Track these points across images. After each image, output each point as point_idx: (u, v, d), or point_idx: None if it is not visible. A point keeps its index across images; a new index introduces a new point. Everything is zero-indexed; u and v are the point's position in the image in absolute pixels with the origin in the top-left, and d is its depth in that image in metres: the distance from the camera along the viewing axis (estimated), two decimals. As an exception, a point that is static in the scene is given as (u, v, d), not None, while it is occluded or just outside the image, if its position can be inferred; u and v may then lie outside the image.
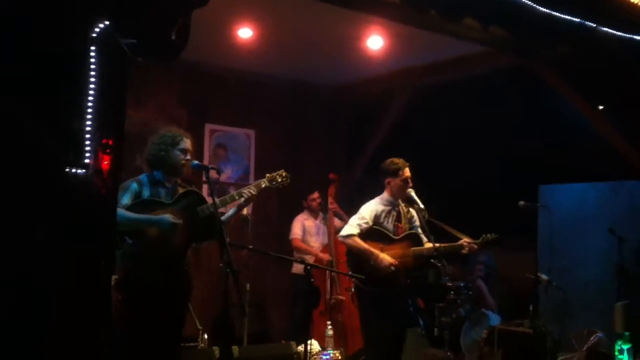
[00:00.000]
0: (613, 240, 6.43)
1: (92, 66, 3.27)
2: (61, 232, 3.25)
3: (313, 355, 5.77)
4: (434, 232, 5.13)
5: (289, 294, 7.18)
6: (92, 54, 3.27)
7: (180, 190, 4.38)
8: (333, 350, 5.95)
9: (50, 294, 3.22)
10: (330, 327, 6.17)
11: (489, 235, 5.16)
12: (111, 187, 3.38)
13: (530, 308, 5.92)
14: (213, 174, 4.27)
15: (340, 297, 6.70)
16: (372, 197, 5.27)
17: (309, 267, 4.44)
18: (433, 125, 7.65)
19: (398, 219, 5.20)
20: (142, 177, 4.34)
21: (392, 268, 4.96)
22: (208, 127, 7.55)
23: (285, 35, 6.41)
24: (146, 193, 4.28)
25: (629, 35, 5.75)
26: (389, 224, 5.16)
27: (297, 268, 6.67)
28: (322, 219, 7.17)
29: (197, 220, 4.28)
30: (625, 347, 6.09)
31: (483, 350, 6.20)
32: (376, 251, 5.01)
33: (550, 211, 6.30)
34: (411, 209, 5.24)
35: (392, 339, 5.05)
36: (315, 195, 7.11)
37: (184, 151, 4.33)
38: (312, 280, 4.54)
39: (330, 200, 6.99)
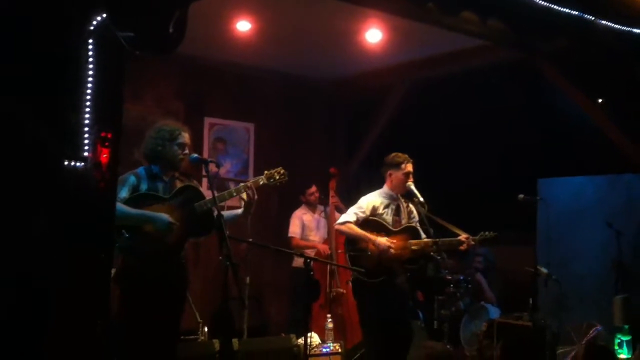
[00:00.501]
0: (611, 233, 6.45)
1: (90, 59, 3.27)
2: (60, 226, 3.25)
3: (313, 348, 5.78)
4: (433, 229, 5.14)
5: (288, 287, 7.19)
6: (90, 47, 3.27)
7: (179, 184, 4.38)
8: (333, 343, 5.96)
9: (50, 288, 3.23)
10: (330, 320, 6.18)
11: (487, 233, 5.18)
12: (110, 180, 3.39)
13: (530, 301, 5.94)
14: (212, 167, 4.26)
15: (340, 290, 6.71)
16: (370, 191, 5.29)
17: (309, 261, 4.45)
18: (431, 119, 7.66)
19: (397, 213, 5.21)
20: (140, 170, 4.33)
21: (389, 250, 4.97)
22: (207, 120, 7.54)
23: (284, 29, 6.40)
24: (144, 186, 4.27)
25: (628, 28, 5.74)
26: (388, 217, 5.18)
27: (298, 262, 6.68)
28: (321, 213, 7.17)
29: (194, 215, 4.28)
30: (625, 340, 6.11)
31: (482, 343, 6.21)
32: (372, 236, 5.03)
33: (548, 205, 6.32)
34: (411, 204, 5.26)
35: (390, 331, 5.05)
36: (313, 189, 7.12)
37: (182, 146, 4.32)
38: (312, 273, 4.55)
39: (331, 194, 6.99)
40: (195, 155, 4.39)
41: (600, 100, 6.51)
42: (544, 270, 6.16)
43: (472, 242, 5.15)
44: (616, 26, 5.69)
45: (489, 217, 5.28)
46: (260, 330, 6.73)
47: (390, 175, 5.19)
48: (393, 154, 5.23)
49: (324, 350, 5.86)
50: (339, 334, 6.32)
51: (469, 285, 7.39)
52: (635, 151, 6.36)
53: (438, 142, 7.72)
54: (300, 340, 5.42)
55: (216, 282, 4.46)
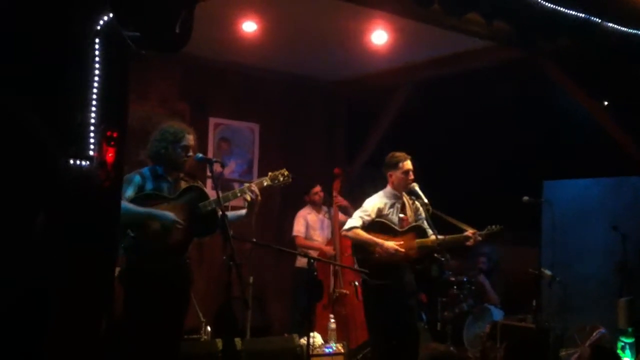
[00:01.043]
0: (615, 235, 6.43)
1: (96, 59, 3.28)
2: (65, 225, 3.25)
3: (316, 349, 5.78)
4: (439, 227, 5.15)
5: (291, 287, 7.19)
6: (96, 46, 3.27)
7: (184, 185, 4.39)
8: (336, 343, 5.96)
9: (53, 288, 3.23)
10: (333, 320, 6.18)
11: (493, 226, 5.18)
12: (115, 180, 3.39)
13: (534, 303, 5.93)
14: (217, 167, 4.28)
15: (344, 290, 6.71)
16: (373, 192, 5.30)
17: (312, 261, 4.45)
18: (435, 120, 7.66)
19: (403, 210, 5.22)
20: (145, 170, 4.35)
21: (399, 253, 4.98)
22: (212, 120, 7.55)
23: (289, 30, 6.40)
24: (149, 186, 4.29)
25: (634, 31, 5.72)
26: (394, 217, 5.18)
27: (301, 262, 6.68)
28: (325, 213, 7.17)
29: (198, 215, 4.29)
30: (628, 343, 6.10)
31: (486, 345, 6.21)
32: (379, 240, 5.04)
33: (553, 207, 6.31)
34: (417, 202, 5.26)
35: (396, 333, 5.06)
36: (317, 189, 7.11)
37: (186, 148, 4.33)
38: (315, 273, 4.55)
39: (334, 194, 6.99)
40: (201, 155, 4.40)
41: (605, 103, 6.50)
42: (547, 272, 6.15)
43: (479, 238, 5.15)
44: (622, 28, 5.67)
45: (494, 219, 5.26)
46: (263, 330, 6.74)
47: (391, 175, 5.21)
48: (390, 154, 5.25)
49: (327, 350, 5.87)
50: (342, 334, 6.32)
51: (473, 287, 7.39)
52: (640, 153, 6.35)
53: (442, 143, 7.72)
54: (303, 341, 5.42)
55: (220, 282, 4.48)
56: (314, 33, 6.48)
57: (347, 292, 6.69)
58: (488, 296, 7.59)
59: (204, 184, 4.85)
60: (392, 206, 5.20)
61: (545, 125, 7.30)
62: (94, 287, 3.35)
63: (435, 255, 5.16)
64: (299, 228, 7.06)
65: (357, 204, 5.36)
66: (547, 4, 5.25)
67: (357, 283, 6.43)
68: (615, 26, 5.62)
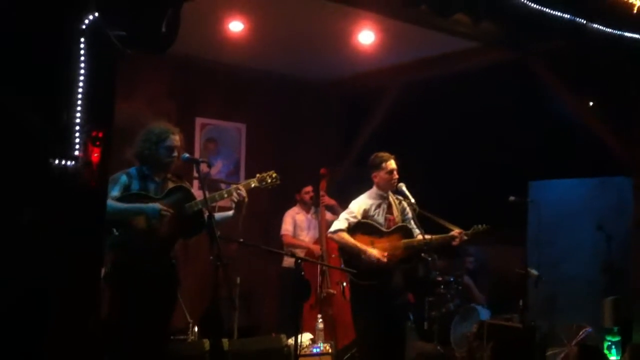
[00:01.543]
0: (600, 235, 6.48)
1: (82, 58, 3.26)
2: (50, 225, 3.24)
3: (303, 349, 5.77)
4: (425, 226, 5.16)
5: (279, 287, 7.18)
6: (82, 46, 3.25)
7: (170, 185, 4.38)
8: (323, 343, 5.96)
9: (40, 288, 3.22)
10: (320, 320, 6.18)
11: (480, 226, 5.20)
12: (101, 180, 3.38)
13: (520, 303, 5.96)
14: (204, 167, 4.27)
15: (331, 290, 6.71)
16: (362, 192, 5.30)
17: (299, 261, 4.44)
18: (424, 120, 7.67)
19: (389, 211, 5.22)
20: (132, 170, 4.34)
21: (383, 261, 4.98)
22: (198, 120, 7.52)
23: (276, 30, 6.39)
24: (135, 186, 4.28)
25: (619, 32, 5.77)
26: (380, 217, 5.18)
27: (288, 262, 6.67)
28: (313, 213, 7.17)
29: (184, 215, 4.28)
30: (614, 342, 6.15)
31: (472, 345, 6.23)
32: (364, 246, 5.04)
33: (539, 206, 6.34)
34: (403, 202, 5.27)
35: (383, 333, 5.06)
36: (309, 188, 7.11)
37: (170, 148, 4.31)
38: (302, 273, 4.55)
39: (321, 194, 6.99)
40: (187, 155, 4.39)
41: (591, 103, 6.54)
42: (534, 272, 6.19)
43: (465, 237, 5.17)
44: (608, 30, 5.71)
45: (480, 218, 5.28)
46: (251, 330, 6.71)
47: (376, 176, 5.21)
48: (374, 155, 5.26)
49: (314, 350, 5.86)
50: (330, 334, 6.31)
51: (459, 287, 7.41)
52: (626, 153, 6.39)
53: (430, 143, 7.74)
54: (291, 341, 5.41)
55: (207, 282, 4.46)
56: (301, 33, 6.48)
57: (335, 292, 6.69)
58: (474, 296, 7.62)
59: (191, 184, 4.84)
60: (378, 207, 5.20)
61: (531, 126, 7.33)
62: (80, 287, 3.34)
63: (422, 255, 5.17)
64: (286, 227, 7.06)
65: (347, 203, 5.36)
66: (533, 5, 5.27)
67: (344, 283, 6.43)
68: (601, 27, 5.66)
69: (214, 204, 4.35)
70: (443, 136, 7.72)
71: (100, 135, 3.31)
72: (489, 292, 7.71)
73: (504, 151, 7.51)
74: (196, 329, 5.78)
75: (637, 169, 6.36)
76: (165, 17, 3.44)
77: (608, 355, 6.07)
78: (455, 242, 5.18)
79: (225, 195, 4.40)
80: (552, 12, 5.40)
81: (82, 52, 3.26)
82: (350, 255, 5.12)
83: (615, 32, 5.75)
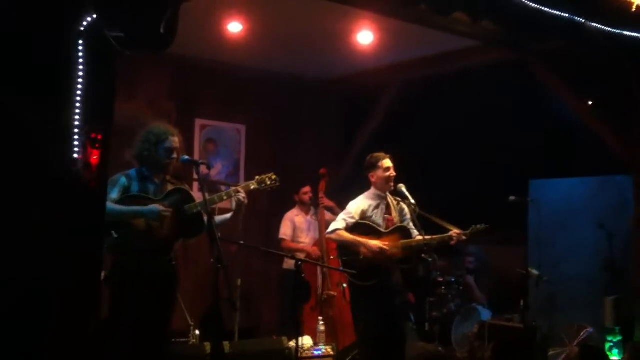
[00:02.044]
0: (601, 234, 6.47)
1: (80, 60, 3.24)
2: (49, 227, 3.23)
3: (305, 351, 5.76)
4: (425, 227, 5.15)
5: (279, 289, 7.16)
6: (80, 47, 3.24)
7: (170, 187, 4.37)
8: (325, 345, 5.95)
9: (41, 287, 3.21)
10: (321, 322, 6.17)
11: (478, 225, 5.19)
12: (100, 181, 3.36)
13: (521, 303, 5.95)
14: (203, 169, 4.27)
15: (332, 292, 6.70)
16: (363, 191, 5.29)
17: (299, 263, 4.43)
18: (423, 119, 7.66)
19: (387, 211, 5.21)
20: (132, 172, 4.33)
21: (384, 251, 4.97)
22: (198, 122, 7.52)
23: (275, 30, 6.39)
24: (135, 188, 4.27)
25: (618, 31, 5.76)
26: (378, 218, 5.17)
27: (288, 263, 6.66)
28: (313, 214, 7.15)
29: (184, 217, 4.27)
30: (615, 342, 6.13)
31: (474, 345, 6.22)
32: (364, 239, 5.03)
33: (539, 206, 6.33)
34: (402, 203, 5.26)
35: (383, 333, 5.05)
36: (307, 189, 7.09)
37: (169, 150, 4.31)
38: (302, 275, 4.53)
39: (320, 195, 6.98)
40: (186, 156, 4.39)
41: (590, 102, 6.53)
42: (534, 272, 6.18)
43: (463, 237, 5.16)
44: (607, 28, 5.70)
45: (481, 218, 5.27)
46: (251, 332, 6.71)
47: (372, 176, 5.21)
48: (369, 157, 5.27)
49: (316, 352, 5.85)
50: (331, 336, 6.30)
51: (460, 287, 7.40)
52: (626, 152, 6.38)
53: (429, 142, 7.72)
54: (292, 343, 5.40)
55: (207, 284, 4.45)
56: (300, 33, 6.47)
57: (335, 293, 6.68)
58: (474, 295, 7.61)
59: (191, 185, 4.82)
60: (376, 207, 5.19)
61: (531, 125, 7.32)
62: (80, 287, 3.33)
63: (423, 255, 5.16)
64: (285, 231, 7.04)
65: (347, 205, 5.34)
66: (531, 4, 5.26)
67: (344, 285, 6.42)
68: (600, 26, 5.65)
69: (213, 206, 4.35)
70: (443, 135, 7.70)
71: (100, 137, 3.30)
72: (490, 292, 7.69)
73: (504, 150, 7.49)
74: (197, 331, 5.77)
75: (637, 167, 6.35)
76: (164, 18, 3.43)
77: (609, 356, 6.05)
78: (453, 242, 5.17)
79: (225, 198, 4.39)
80: (551, 11, 5.39)
81: (80, 53, 3.24)
82: (349, 253, 5.11)
83: (614, 30, 5.74)
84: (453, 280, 7.37)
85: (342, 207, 5.51)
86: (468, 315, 7.06)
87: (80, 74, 3.23)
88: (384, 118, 8.04)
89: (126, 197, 4.21)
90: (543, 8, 5.35)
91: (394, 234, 5.16)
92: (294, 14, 6.01)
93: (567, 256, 6.97)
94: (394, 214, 5.23)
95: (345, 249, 5.16)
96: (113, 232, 4.09)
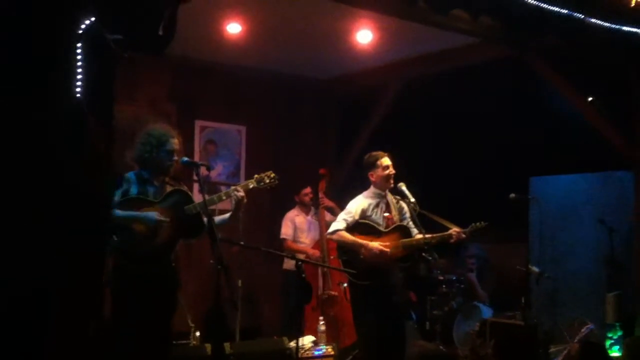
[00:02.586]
0: (602, 230, 6.46)
1: (79, 62, 3.23)
2: (50, 227, 3.22)
3: (306, 351, 5.76)
4: (426, 226, 5.14)
5: (280, 289, 7.16)
6: (79, 50, 3.23)
7: (169, 189, 4.36)
8: (325, 345, 5.94)
9: (41, 287, 3.20)
10: (322, 322, 6.16)
11: (477, 223, 5.19)
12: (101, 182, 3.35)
13: (522, 300, 5.94)
14: (203, 170, 4.25)
15: (332, 292, 6.69)
16: (362, 190, 5.29)
17: (300, 263, 4.43)
18: (423, 118, 7.65)
19: (387, 210, 5.21)
20: (130, 174, 4.32)
21: (384, 253, 4.97)
22: (198, 123, 7.51)
23: (275, 30, 6.38)
24: (134, 190, 4.26)
25: (617, 26, 5.75)
26: (378, 217, 5.17)
27: (289, 264, 6.65)
28: (313, 215, 7.15)
29: (183, 218, 4.27)
30: (616, 338, 6.13)
31: (475, 343, 6.20)
32: (364, 241, 5.03)
33: (540, 203, 6.32)
34: (401, 202, 5.26)
35: (384, 333, 5.05)
36: (308, 190, 7.09)
37: (170, 152, 4.30)
38: (303, 275, 4.53)
39: (320, 195, 6.98)
40: (186, 158, 4.38)
41: (590, 98, 6.52)
42: (535, 269, 6.16)
43: (463, 235, 5.16)
44: (606, 24, 5.69)
45: (481, 216, 5.26)
46: (253, 333, 6.70)
47: (372, 175, 5.22)
48: (367, 155, 5.28)
49: (317, 352, 5.85)
50: (332, 335, 6.30)
51: (462, 285, 7.39)
52: (627, 148, 6.37)
53: (429, 141, 7.72)
54: (293, 343, 5.39)
55: (208, 286, 4.44)
56: (299, 33, 6.47)
57: (336, 293, 6.68)
58: (477, 293, 7.60)
59: (191, 187, 4.81)
60: (376, 206, 5.19)
61: (531, 122, 7.31)
62: (80, 287, 3.32)
63: (423, 254, 5.15)
64: (286, 231, 7.04)
65: (347, 204, 5.34)
66: (531, 0, 5.25)
67: (345, 284, 6.42)
68: (598, 21, 5.64)
69: (213, 207, 4.34)
70: (443, 133, 7.70)
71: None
72: (491, 290, 7.69)
73: (504, 148, 7.48)
74: (198, 333, 5.76)
75: (638, 163, 6.34)
76: (162, 20, 3.41)
77: (610, 352, 6.04)
78: (453, 241, 5.16)
79: (224, 198, 4.39)
80: (550, 7, 5.38)
81: (79, 56, 3.23)
82: (349, 253, 5.11)
83: (614, 26, 5.73)
84: (454, 278, 7.36)
85: (342, 207, 5.50)
86: (469, 313, 7.05)
87: (80, 76, 3.23)
88: (384, 117, 8.03)
89: (125, 200, 4.21)
90: (542, 4, 5.34)
91: (394, 233, 5.15)
92: (293, 14, 6.01)
93: (568, 253, 6.97)
94: (394, 212, 5.23)
95: (345, 249, 5.16)
96: (113, 236, 4.09)
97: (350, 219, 5.13)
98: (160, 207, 4.27)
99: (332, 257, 6.41)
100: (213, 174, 7.41)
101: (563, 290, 6.70)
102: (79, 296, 3.31)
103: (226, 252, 3.96)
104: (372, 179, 5.22)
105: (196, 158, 7.11)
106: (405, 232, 5.17)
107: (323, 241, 6.77)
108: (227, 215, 4.51)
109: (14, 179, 3.16)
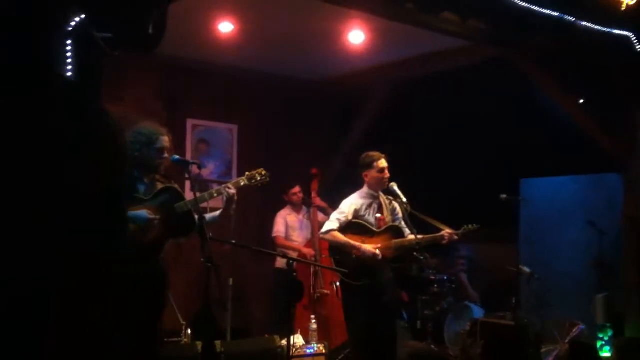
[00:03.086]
0: (591, 232, 6.50)
1: (69, 60, 3.24)
2: (52, 228, 3.22)
3: (297, 349, 5.77)
4: (417, 226, 5.17)
5: (271, 287, 7.17)
6: (68, 48, 3.24)
7: (160, 186, 4.37)
8: (317, 344, 5.96)
9: (41, 287, 3.21)
10: (314, 321, 6.18)
11: (470, 225, 5.22)
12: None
13: (513, 300, 5.97)
14: (194, 169, 4.26)
15: (324, 291, 6.71)
16: (353, 191, 5.31)
17: (291, 262, 4.44)
18: (413, 119, 7.68)
19: (380, 210, 5.23)
20: (120, 172, 4.32)
21: (378, 257, 4.99)
22: (190, 122, 7.52)
23: (266, 30, 6.39)
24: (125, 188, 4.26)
25: (608, 29, 5.78)
26: (371, 217, 5.19)
27: (281, 262, 6.66)
28: (305, 214, 7.16)
29: (174, 216, 4.27)
30: (607, 338, 6.16)
31: (466, 343, 6.23)
32: (357, 243, 5.05)
33: (530, 204, 6.36)
34: (394, 202, 5.28)
35: (375, 332, 5.07)
36: (296, 189, 7.10)
37: (160, 150, 4.31)
38: (295, 274, 4.55)
39: (313, 195, 6.99)
40: (177, 156, 4.38)
41: (581, 101, 6.55)
42: (526, 269, 6.20)
43: (455, 237, 5.19)
44: (596, 27, 5.72)
45: (472, 217, 5.30)
46: (244, 332, 6.71)
47: (366, 175, 5.23)
48: (364, 155, 5.28)
49: (308, 351, 5.86)
50: (323, 334, 6.31)
51: (453, 285, 7.42)
52: (617, 150, 6.40)
53: (420, 142, 7.74)
54: (284, 342, 5.41)
55: (199, 284, 4.45)
56: (291, 33, 6.48)
57: (328, 292, 6.69)
58: (467, 293, 7.63)
59: (182, 185, 4.82)
60: (369, 206, 5.21)
61: (522, 124, 7.35)
62: (80, 288, 3.32)
63: (415, 254, 5.18)
64: (278, 228, 7.05)
65: (338, 204, 5.36)
66: (521, 2, 5.28)
67: (337, 283, 6.44)
68: (589, 24, 5.67)
69: (204, 205, 4.35)
70: (433, 135, 7.73)
71: (88, 137, 3.29)
72: (482, 290, 7.72)
73: (495, 149, 7.52)
74: (189, 331, 5.77)
75: (627, 166, 6.38)
76: (152, 18, 3.43)
77: (600, 352, 6.08)
78: (445, 242, 5.19)
79: (215, 195, 4.39)
80: (540, 9, 5.41)
81: (68, 54, 3.24)
82: (341, 254, 5.13)
83: (604, 29, 5.76)
84: (445, 278, 7.39)
85: (333, 207, 5.52)
86: (460, 313, 7.08)
87: (69, 74, 3.23)
88: (375, 118, 8.06)
89: (116, 197, 4.21)
90: (532, 7, 5.36)
91: (386, 234, 5.18)
92: (286, 14, 6.02)
93: (558, 254, 7.01)
94: (386, 213, 5.25)
95: (337, 248, 5.18)
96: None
97: (343, 219, 5.15)
98: (151, 204, 4.27)
99: (324, 256, 6.43)
100: (205, 172, 7.42)
101: (553, 291, 6.73)
102: (79, 296, 3.31)
103: (217, 251, 3.97)
104: (366, 179, 5.24)
105: (188, 157, 7.11)
106: (397, 232, 5.20)
107: (315, 240, 6.79)
108: (218, 212, 4.52)
109: (14, 178, 3.17)
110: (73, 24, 3.24)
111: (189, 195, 4.47)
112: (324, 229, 5.20)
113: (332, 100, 8.51)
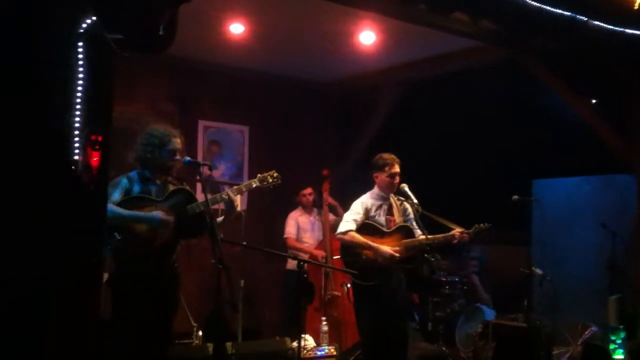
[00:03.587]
0: (604, 233, 6.46)
1: (80, 62, 3.25)
2: (50, 228, 3.24)
3: (308, 351, 5.77)
4: (429, 228, 5.15)
5: (283, 289, 7.17)
6: (80, 49, 3.25)
7: (171, 188, 4.38)
8: (328, 346, 5.95)
9: (41, 287, 3.22)
10: (325, 322, 6.17)
11: (481, 224, 5.20)
12: (100, 184, 3.37)
13: (525, 302, 5.94)
14: (205, 170, 4.26)
15: (335, 292, 6.70)
16: (364, 192, 5.30)
17: (302, 263, 4.44)
18: (424, 120, 7.66)
19: (390, 212, 5.22)
20: (133, 173, 4.34)
21: (395, 258, 4.97)
22: (201, 123, 7.54)
23: (277, 31, 6.40)
24: (136, 189, 4.28)
25: (620, 29, 5.74)
26: (381, 218, 5.18)
27: (291, 264, 6.66)
28: (316, 215, 7.16)
29: (186, 217, 4.28)
30: (619, 341, 6.12)
31: (477, 345, 6.21)
32: (375, 244, 5.03)
33: (543, 205, 6.32)
34: (405, 203, 5.26)
35: (386, 333, 5.06)
36: (308, 190, 7.10)
37: (172, 152, 4.31)
38: (305, 276, 4.54)
39: (325, 195, 6.99)
40: (188, 158, 4.39)
41: (593, 101, 6.52)
42: (538, 271, 6.16)
43: (466, 236, 5.16)
44: (609, 27, 5.68)
45: (484, 218, 5.28)
46: (255, 333, 6.71)
47: (377, 177, 5.22)
48: (378, 156, 5.25)
49: (319, 353, 5.85)
50: (334, 336, 6.31)
51: (464, 287, 7.39)
52: (629, 151, 6.36)
53: (431, 143, 7.72)
54: (295, 343, 5.40)
55: (210, 286, 4.46)
56: (302, 34, 6.49)
57: (339, 294, 6.68)
58: (479, 295, 7.60)
59: (194, 186, 4.82)
60: (379, 207, 5.20)
61: (534, 125, 7.32)
62: (80, 287, 3.34)
63: (426, 255, 5.16)
64: (290, 230, 7.05)
65: (348, 204, 5.35)
66: (532, 2, 5.25)
67: (348, 285, 6.43)
68: (602, 24, 5.63)
69: (215, 207, 4.35)
70: (446, 136, 7.70)
71: (100, 139, 3.30)
72: (493, 292, 7.68)
73: (507, 150, 7.49)
74: (200, 332, 5.78)
75: (639, 167, 6.34)
76: (163, 20, 3.43)
77: (613, 354, 6.04)
78: (456, 241, 5.17)
79: (226, 197, 4.40)
80: (552, 9, 5.37)
81: (80, 55, 3.25)
82: (352, 254, 5.11)
83: (617, 28, 5.72)
84: (457, 280, 7.36)
85: (345, 207, 5.51)
86: (472, 315, 7.05)
87: (80, 75, 3.24)
88: (386, 119, 8.04)
89: (128, 199, 4.22)
90: (544, 7, 5.33)
91: (396, 234, 5.17)
92: (297, 15, 6.02)
93: (570, 255, 6.97)
94: (396, 214, 5.24)
95: (348, 249, 5.16)
96: (116, 234, 4.10)
97: (359, 219, 5.13)
98: (163, 205, 4.28)
99: (335, 258, 6.42)
100: (216, 174, 7.44)
101: (565, 293, 6.69)
102: (79, 296, 3.32)
103: (228, 252, 3.97)
104: (377, 180, 5.22)
105: (199, 158, 7.13)
106: (408, 232, 5.18)
107: (326, 241, 6.78)
108: (220, 219, 4.51)
109: (14, 178, 3.18)
110: (85, 25, 3.25)
111: (200, 196, 4.47)
112: (341, 229, 5.15)
113: (342, 102, 8.51)
